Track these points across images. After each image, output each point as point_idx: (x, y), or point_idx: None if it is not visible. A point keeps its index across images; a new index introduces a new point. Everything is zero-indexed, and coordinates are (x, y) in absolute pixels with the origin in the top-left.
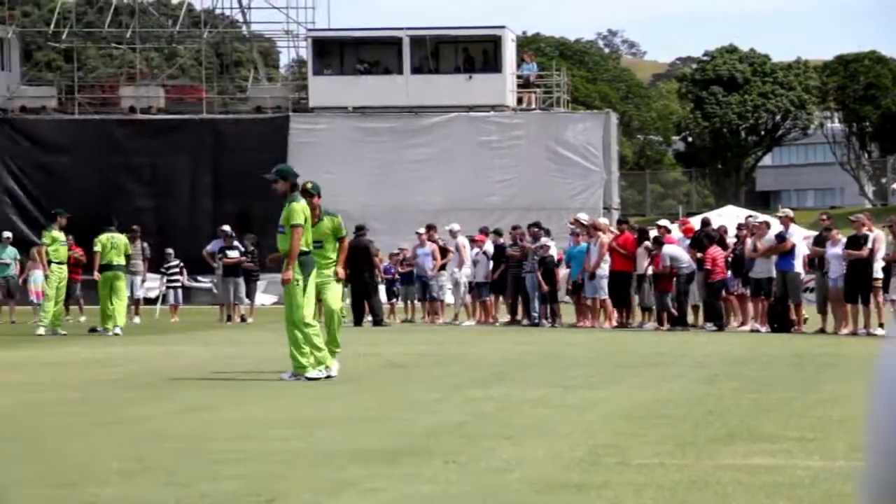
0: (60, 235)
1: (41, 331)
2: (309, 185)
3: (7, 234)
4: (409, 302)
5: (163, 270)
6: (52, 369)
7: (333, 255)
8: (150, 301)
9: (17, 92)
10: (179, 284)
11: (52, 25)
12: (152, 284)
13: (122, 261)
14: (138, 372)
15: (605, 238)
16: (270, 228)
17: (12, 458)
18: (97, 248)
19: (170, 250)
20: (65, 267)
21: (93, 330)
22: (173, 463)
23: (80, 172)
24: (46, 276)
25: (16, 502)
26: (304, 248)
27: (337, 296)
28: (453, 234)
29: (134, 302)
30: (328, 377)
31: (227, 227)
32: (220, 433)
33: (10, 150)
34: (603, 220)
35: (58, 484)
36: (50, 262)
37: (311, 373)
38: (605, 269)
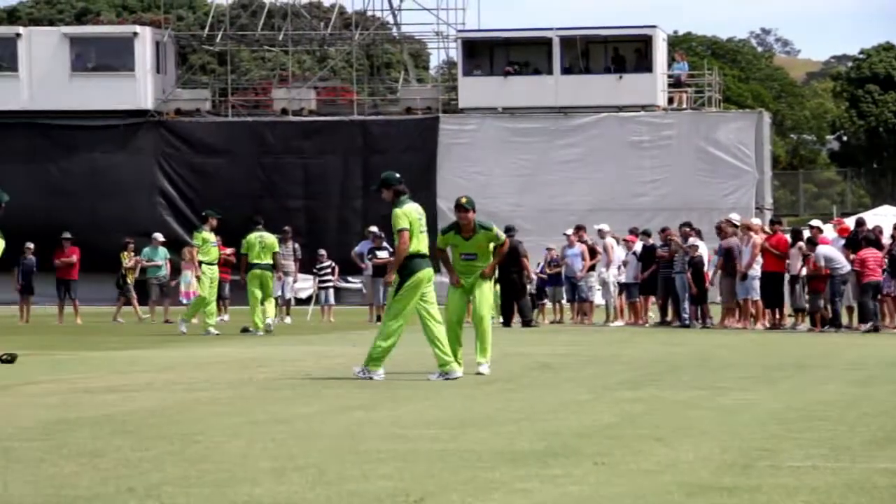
0: (211, 236)
1: (183, 328)
2: (463, 200)
3: (159, 236)
4: (557, 303)
5: (315, 271)
6: (206, 369)
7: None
8: (301, 302)
9: (173, 95)
10: (332, 285)
11: (207, 29)
12: (303, 285)
13: (270, 259)
14: (290, 372)
15: (758, 238)
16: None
17: (166, 456)
18: (244, 248)
19: (322, 251)
20: (216, 267)
21: (245, 330)
22: (323, 462)
23: (232, 174)
24: (198, 278)
25: (169, 501)
26: (418, 252)
27: (487, 301)
28: (602, 234)
29: (285, 302)
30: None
31: (375, 228)
32: (369, 433)
33: (165, 151)
34: (755, 221)
35: (210, 483)
36: (201, 263)
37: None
38: (756, 269)
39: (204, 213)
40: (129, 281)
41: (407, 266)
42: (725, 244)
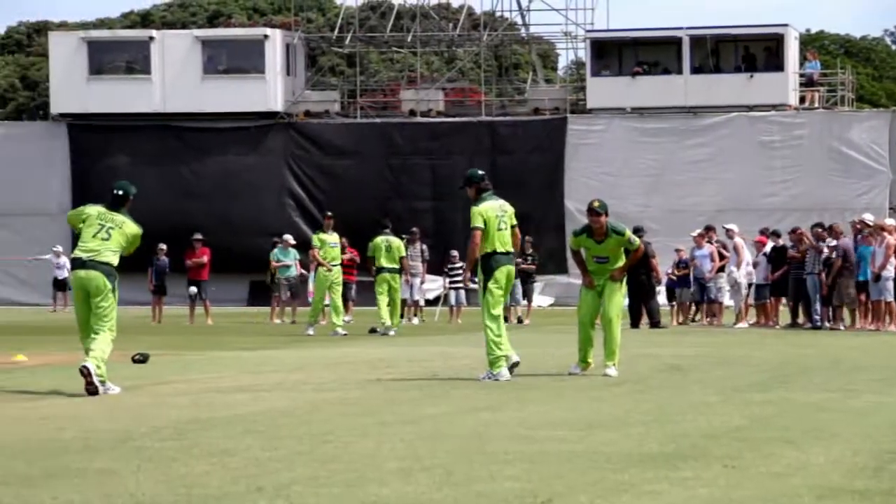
0: (329, 237)
1: (310, 331)
2: (596, 204)
3: (289, 237)
4: (685, 304)
5: (446, 271)
6: (334, 369)
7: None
8: (429, 303)
9: (302, 96)
10: (462, 286)
11: (336, 31)
12: (431, 286)
13: (395, 264)
14: (418, 372)
15: (892, 239)
16: (545, 229)
17: (296, 456)
18: (371, 251)
19: (454, 252)
20: (337, 268)
21: (373, 331)
22: (451, 463)
23: (360, 175)
24: (302, 277)
25: (298, 501)
26: (495, 249)
27: (617, 304)
28: (730, 234)
29: (413, 303)
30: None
31: None
32: (496, 434)
33: (294, 153)
34: (889, 222)
35: (339, 483)
36: (319, 265)
37: (501, 372)
38: (890, 270)
39: (324, 215)
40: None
41: (486, 264)
42: (842, 245)
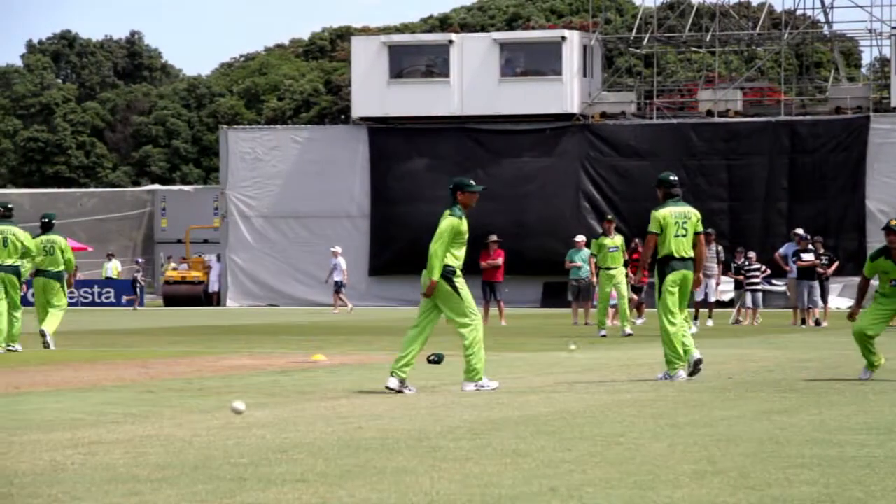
0: (609, 241)
1: (628, 330)
2: (893, 223)
3: (581, 238)
4: None
5: (743, 273)
6: (626, 370)
7: None
8: (723, 304)
9: (598, 98)
10: (760, 288)
11: (634, 31)
12: (726, 287)
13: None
14: (711, 375)
15: None
16: (845, 230)
17: (588, 457)
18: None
19: (752, 254)
20: (619, 269)
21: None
22: (746, 466)
23: (655, 176)
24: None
25: (590, 502)
26: (671, 254)
27: None
28: None
29: (707, 305)
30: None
31: (800, 230)
32: (793, 437)
33: (589, 155)
34: None
35: (632, 485)
36: (598, 269)
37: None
38: None
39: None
40: None
41: (661, 268)
42: None
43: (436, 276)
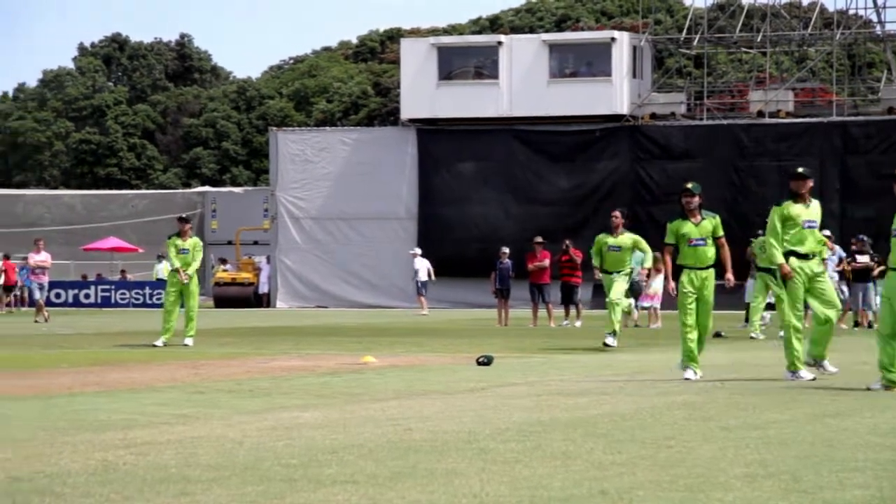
0: (611, 239)
1: (757, 335)
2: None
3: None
4: None
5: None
6: (677, 372)
7: None
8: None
9: (648, 99)
10: None
11: (684, 32)
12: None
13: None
14: (763, 377)
15: None
16: None
17: (638, 460)
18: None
19: None
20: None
21: (717, 335)
22: (797, 469)
23: (706, 178)
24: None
25: None
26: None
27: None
28: None
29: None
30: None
31: (864, 236)
32: (845, 440)
33: (639, 156)
34: None
35: (682, 488)
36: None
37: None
38: None
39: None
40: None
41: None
42: None
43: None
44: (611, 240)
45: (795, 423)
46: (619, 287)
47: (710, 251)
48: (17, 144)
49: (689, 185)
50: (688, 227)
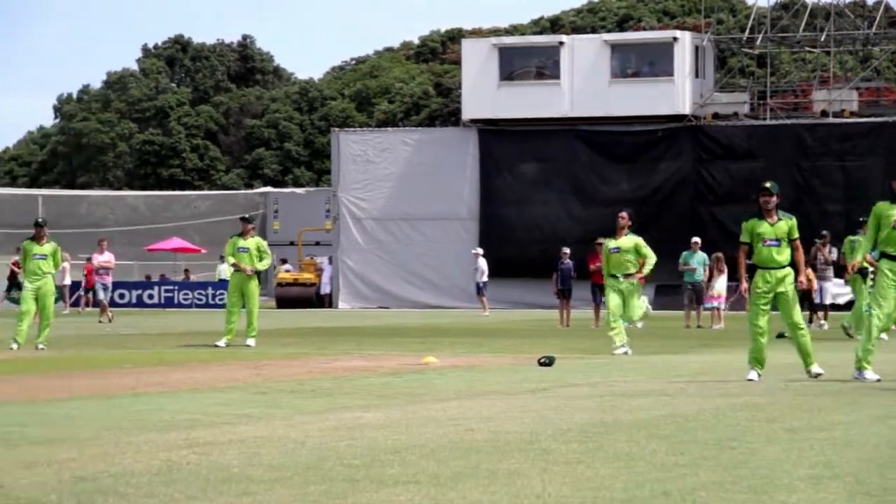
0: (612, 241)
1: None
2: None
3: (697, 240)
4: None
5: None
6: (740, 373)
7: None
8: (837, 308)
9: (711, 99)
10: None
11: (747, 31)
12: (840, 290)
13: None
14: (826, 378)
15: None
16: None
17: (701, 461)
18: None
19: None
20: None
21: (780, 336)
22: (862, 471)
23: (768, 177)
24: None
25: None
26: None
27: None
28: None
29: (822, 308)
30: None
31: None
32: None
33: (701, 156)
34: None
35: (746, 489)
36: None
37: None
38: None
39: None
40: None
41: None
42: None
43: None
44: (612, 242)
45: (860, 425)
46: (614, 300)
47: (785, 252)
48: (82, 146)
49: (768, 185)
50: (763, 227)
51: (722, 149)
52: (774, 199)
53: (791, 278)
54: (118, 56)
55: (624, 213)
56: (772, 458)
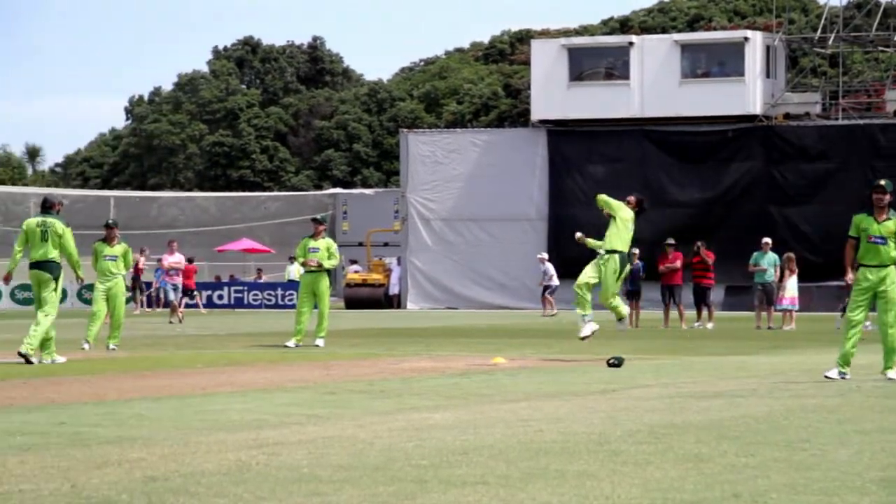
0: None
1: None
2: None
3: (768, 240)
4: None
5: None
6: (812, 374)
7: None
8: None
9: (782, 99)
10: None
11: (819, 31)
12: None
13: None
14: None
15: None
16: None
17: (772, 463)
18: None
19: None
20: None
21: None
22: None
23: (841, 178)
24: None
25: None
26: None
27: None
28: None
29: None
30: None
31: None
32: None
33: (772, 156)
34: None
35: (817, 491)
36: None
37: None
38: None
39: None
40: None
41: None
42: None
43: None
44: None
45: None
46: (587, 272)
47: (891, 251)
48: (153, 147)
49: (882, 182)
50: (871, 224)
51: (794, 149)
52: (888, 197)
53: (892, 277)
54: (189, 58)
55: (632, 197)
56: (843, 460)
